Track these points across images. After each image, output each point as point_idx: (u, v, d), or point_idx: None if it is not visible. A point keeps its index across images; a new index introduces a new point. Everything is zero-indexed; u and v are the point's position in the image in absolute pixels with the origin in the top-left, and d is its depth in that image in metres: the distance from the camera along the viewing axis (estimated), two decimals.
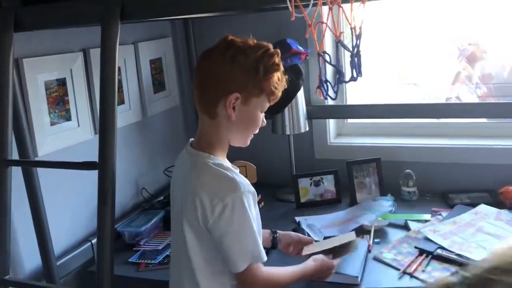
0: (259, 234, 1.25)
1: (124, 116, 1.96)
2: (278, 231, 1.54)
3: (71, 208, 1.73)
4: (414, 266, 1.50)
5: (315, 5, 1.04)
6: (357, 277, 1.44)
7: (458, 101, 2.30)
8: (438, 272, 1.46)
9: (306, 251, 1.48)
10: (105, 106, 1.22)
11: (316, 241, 1.56)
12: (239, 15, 2.11)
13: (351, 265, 1.48)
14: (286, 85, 1.26)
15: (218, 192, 1.15)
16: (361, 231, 1.73)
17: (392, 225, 1.78)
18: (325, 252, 1.43)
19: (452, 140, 2.08)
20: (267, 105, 1.25)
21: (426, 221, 1.78)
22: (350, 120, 2.31)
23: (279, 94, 1.25)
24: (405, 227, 1.76)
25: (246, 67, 1.17)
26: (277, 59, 1.21)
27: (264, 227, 1.37)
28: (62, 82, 1.67)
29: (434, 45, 2.27)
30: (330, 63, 1.28)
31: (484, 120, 2.13)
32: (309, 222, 1.85)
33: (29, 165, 1.48)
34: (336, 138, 2.29)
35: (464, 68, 2.35)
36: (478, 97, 2.31)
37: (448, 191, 1.97)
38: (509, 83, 2.19)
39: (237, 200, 1.14)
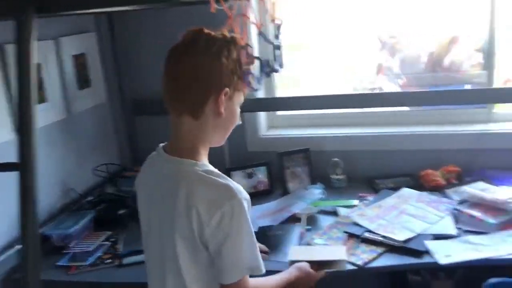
0: None
1: (46, 115, 1.87)
2: None
3: None
4: None
5: None
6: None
7: (380, 91, 2.41)
8: (367, 254, 1.54)
9: (292, 256, 1.49)
10: (23, 104, 1.16)
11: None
12: (163, 9, 2.08)
13: (284, 252, 1.52)
14: None
15: (215, 201, 1.08)
16: (293, 219, 1.77)
17: (323, 212, 1.85)
18: (310, 262, 1.43)
19: (376, 128, 2.19)
20: (243, 99, 1.23)
21: (354, 206, 1.86)
22: (279, 112, 2.35)
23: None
24: (335, 213, 1.83)
25: (231, 61, 1.14)
26: (250, 51, 1.21)
27: None
28: None
29: (360, 38, 2.38)
30: (252, 55, 1.29)
31: (405, 108, 2.25)
32: None
33: None
34: (268, 131, 2.32)
35: (386, 60, 2.48)
36: (399, 87, 2.44)
37: (374, 177, 2.07)
38: (426, 73, 2.33)
39: (236, 208, 1.08)
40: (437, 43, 2.27)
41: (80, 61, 2.08)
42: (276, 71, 1.36)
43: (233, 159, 2.16)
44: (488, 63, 2.08)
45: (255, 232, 1.14)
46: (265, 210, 1.89)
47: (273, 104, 2.28)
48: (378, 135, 2.15)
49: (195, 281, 1.14)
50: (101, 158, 2.19)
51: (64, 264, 1.62)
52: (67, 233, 1.72)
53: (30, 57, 1.15)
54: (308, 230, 1.72)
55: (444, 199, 1.83)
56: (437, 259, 1.48)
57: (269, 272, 1.23)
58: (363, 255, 1.54)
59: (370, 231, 1.65)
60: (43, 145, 1.80)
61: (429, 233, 1.61)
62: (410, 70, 2.40)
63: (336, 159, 2.07)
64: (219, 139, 1.23)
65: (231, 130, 1.23)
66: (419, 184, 1.96)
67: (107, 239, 1.77)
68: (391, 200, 1.85)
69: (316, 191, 1.92)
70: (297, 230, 1.71)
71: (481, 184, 1.85)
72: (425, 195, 1.87)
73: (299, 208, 1.82)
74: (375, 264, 1.51)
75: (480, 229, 1.61)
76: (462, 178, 1.96)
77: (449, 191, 1.88)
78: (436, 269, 1.72)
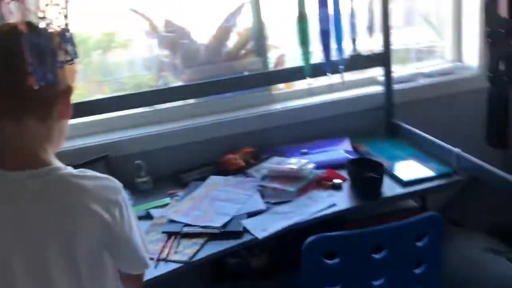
0: None
1: None
2: None
3: None
4: (166, 251, 1.52)
5: None
6: None
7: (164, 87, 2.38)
8: (190, 249, 1.52)
9: None
10: None
11: None
12: None
13: None
14: None
15: (107, 197, 1.01)
16: None
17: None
18: None
19: (171, 123, 2.17)
20: None
21: (166, 205, 1.82)
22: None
23: None
24: (149, 216, 1.76)
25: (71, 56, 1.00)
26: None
27: None
28: None
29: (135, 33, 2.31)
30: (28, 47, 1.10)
31: (192, 100, 2.29)
32: None
33: None
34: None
35: (166, 56, 2.47)
36: (183, 81, 2.47)
37: (178, 172, 2.06)
38: (207, 65, 2.40)
39: (125, 197, 1.06)
40: (212, 35, 2.36)
41: None
42: (68, 62, 1.21)
43: None
44: (261, 49, 2.27)
45: None
46: None
47: None
48: (175, 130, 2.14)
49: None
50: None
51: None
52: None
53: None
54: None
55: (248, 179, 1.94)
56: (255, 235, 1.56)
57: None
58: (187, 250, 1.52)
59: (188, 225, 1.64)
60: None
61: (243, 212, 1.69)
62: (191, 63, 2.44)
63: (138, 161, 1.98)
64: (62, 143, 1.10)
65: None
66: (223, 170, 2.03)
67: None
68: (201, 190, 1.87)
69: None
70: None
71: (275, 159, 2.02)
72: (230, 178, 1.95)
73: None
74: (200, 255, 1.50)
75: (284, 199, 1.75)
76: (259, 157, 2.11)
77: (250, 171, 2.00)
78: (253, 245, 1.82)
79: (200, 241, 1.56)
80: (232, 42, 2.39)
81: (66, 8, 0.93)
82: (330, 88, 2.22)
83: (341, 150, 2.08)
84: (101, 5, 2.10)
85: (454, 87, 2.42)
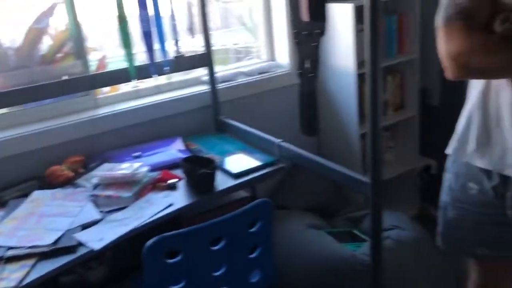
0: None
1: None
2: None
3: None
4: None
5: None
6: None
7: None
8: (18, 273, 1.38)
9: None
10: None
11: None
12: None
13: None
14: None
15: None
16: None
17: None
18: None
19: None
20: None
21: None
22: None
23: None
24: None
25: None
26: None
27: None
28: None
29: None
30: None
31: (4, 110, 2.07)
32: None
33: None
34: None
35: None
36: None
37: None
38: (19, 70, 2.19)
39: None
40: (23, 37, 2.16)
41: None
42: None
43: None
44: (80, 52, 2.16)
45: None
46: None
47: None
48: None
49: None
50: None
51: None
52: None
53: None
54: None
55: (78, 190, 1.83)
56: (91, 246, 1.50)
57: None
58: (14, 275, 1.38)
59: (12, 247, 1.48)
60: None
61: (76, 225, 1.60)
62: (0, 69, 2.20)
63: None
64: None
65: None
66: (48, 183, 1.89)
67: None
68: (25, 207, 1.71)
69: None
70: None
71: (106, 166, 1.95)
72: (58, 191, 1.82)
73: None
74: (30, 278, 1.38)
75: (120, 205, 1.71)
76: (87, 165, 2.01)
77: (80, 181, 1.89)
78: (89, 259, 1.73)
79: (30, 262, 1.43)
80: (46, 44, 2.21)
81: None
82: (158, 89, 2.23)
83: (174, 150, 2.11)
84: None
85: (271, 83, 2.64)
